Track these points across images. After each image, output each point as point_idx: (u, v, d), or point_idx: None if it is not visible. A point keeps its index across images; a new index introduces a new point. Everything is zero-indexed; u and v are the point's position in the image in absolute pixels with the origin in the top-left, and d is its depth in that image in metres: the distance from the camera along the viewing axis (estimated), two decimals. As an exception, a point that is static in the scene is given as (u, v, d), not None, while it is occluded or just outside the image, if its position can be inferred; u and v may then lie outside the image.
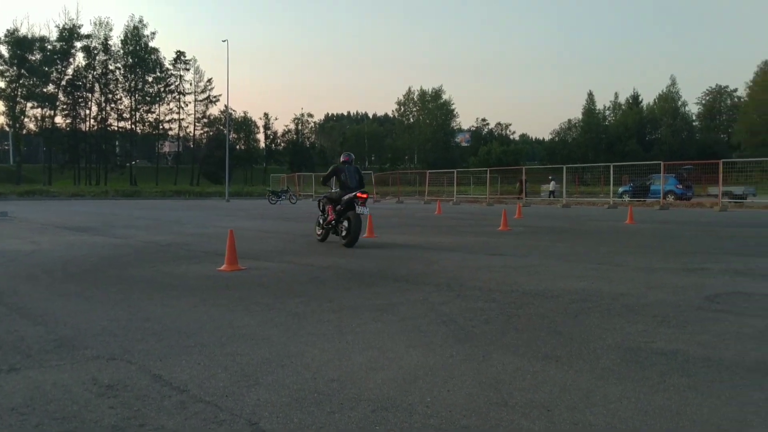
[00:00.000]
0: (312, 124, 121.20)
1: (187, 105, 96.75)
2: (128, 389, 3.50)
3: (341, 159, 12.80)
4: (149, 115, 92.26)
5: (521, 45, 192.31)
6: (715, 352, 4.20)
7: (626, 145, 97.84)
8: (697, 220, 21.00)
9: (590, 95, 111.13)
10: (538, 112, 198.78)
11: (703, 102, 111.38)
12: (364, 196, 11.94)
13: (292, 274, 8.28)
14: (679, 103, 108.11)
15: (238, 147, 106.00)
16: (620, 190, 38.73)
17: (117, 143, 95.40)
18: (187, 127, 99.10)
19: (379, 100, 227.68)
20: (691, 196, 36.60)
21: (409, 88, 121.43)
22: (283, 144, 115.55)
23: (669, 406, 3.21)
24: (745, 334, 4.71)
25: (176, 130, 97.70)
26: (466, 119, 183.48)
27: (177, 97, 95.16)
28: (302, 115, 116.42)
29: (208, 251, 11.10)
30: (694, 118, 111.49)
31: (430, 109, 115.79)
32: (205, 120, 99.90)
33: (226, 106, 66.70)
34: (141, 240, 13.44)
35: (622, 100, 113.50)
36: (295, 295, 6.61)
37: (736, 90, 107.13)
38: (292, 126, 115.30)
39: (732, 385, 3.51)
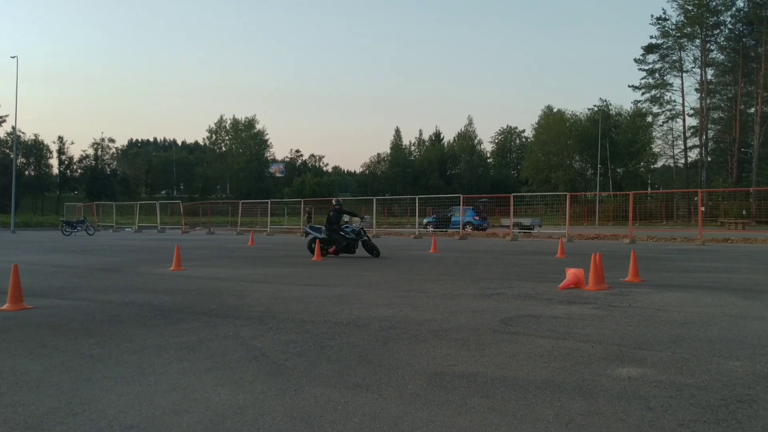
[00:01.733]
0: (114, 149, 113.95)
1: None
2: None
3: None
4: None
5: (332, 78, 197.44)
6: (510, 372, 4.53)
7: (430, 178, 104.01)
8: (492, 248, 22.76)
9: (397, 131, 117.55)
10: (350, 146, 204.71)
11: (496, 141, 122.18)
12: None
13: (87, 312, 7.63)
14: (476, 141, 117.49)
15: (26, 172, 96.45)
16: (425, 221, 40.97)
17: None
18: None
19: (189, 127, 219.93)
20: (487, 227, 39.69)
21: (221, 116, 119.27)
22: (80, 170, 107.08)
23: (471, 427, 3.40)
24: (536, 354, 5.15)
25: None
26: (280, 150, 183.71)
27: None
28: (102, 139, 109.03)
29: (-13, 289, 9.88)
30: (488, 155, 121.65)
31: (244, 139, 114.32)
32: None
33: (14, 128, 60.52)
34: None
35: (426, 137, 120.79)
36: (90, 335, 6.08)
37: (524, 131, 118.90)
38: (91, 151, 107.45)
39: (526, 403, 3.81)
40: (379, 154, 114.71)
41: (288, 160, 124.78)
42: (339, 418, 3.55)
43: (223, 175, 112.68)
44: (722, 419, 3.48)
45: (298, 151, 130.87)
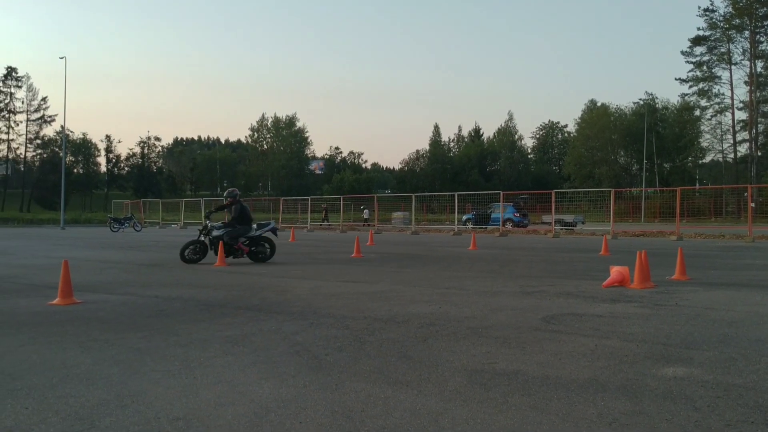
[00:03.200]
0: (159, 148, 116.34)
1: (18, 125, 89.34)
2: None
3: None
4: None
5: (372, 76, 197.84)
6: (552, 371, 4.49)
7: (469, 175, 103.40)
8: (533, 246, 22.53)
9: (436, 128, 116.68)
10: (389, 143, 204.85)
11: (537, 136, 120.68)
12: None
13: (135, 306, 7.82)
14: (516, 137, 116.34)
15: (75, 171, 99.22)
16: (464, 217, 40.75)
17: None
18: (17, 148, 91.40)
19: (232, 126, 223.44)
20: (527, 224, 39.28)
21: (263, 115, 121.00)
22: (127, 168, 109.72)
23: (512, 425, 3.38)
24: (579, 352, 5.09)
25: (4, 152, 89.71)
26: (319, 147, 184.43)
27: (6, 116, 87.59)
28: (149, 138, 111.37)
29: (38, 284, 10.22)
30: (529, 151, 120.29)
31: (284, 136, 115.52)
32: (39, 141, 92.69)
33: (63, 127, 62.29)
34: (-41, 272, 12.10)
35: (465, 133, 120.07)
36: (138, 329, 6.24)
37: (566, 126, 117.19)
38: (138, 149, 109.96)
39: (568, 402, 3.77)
40: (417, 151, 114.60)
41: (328, 157, 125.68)
42: (379, 413, 3.58)
43: (264, 173, 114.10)
44: (772, 421, 3.39)
45: (337, 148, 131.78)
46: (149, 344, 5.51)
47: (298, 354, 5.07)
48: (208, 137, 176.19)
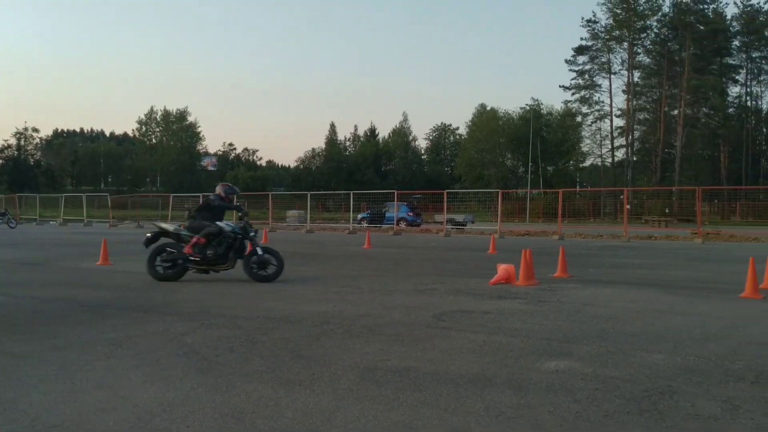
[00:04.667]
0: (38, 140, 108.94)
1: None
2: None
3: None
4: None
5: (266, 71, 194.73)
6: (442, 367, 4.59)
7: (365, 174, 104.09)
8: (426, 244, 23.01)
9: (333, 126, 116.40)
10: (285, 140, 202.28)
11: (431, 138, 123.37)
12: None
13: (9, 308, 7.29)
14: (410, 137, 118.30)
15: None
16: (359, 216, 40.99)
17: None
18: None
19: (118, 119, 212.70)
20: (420, 223, 40.03)
21: (152, 107, 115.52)
22: (0, 161, 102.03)
23: (403, 421, 3.42)
24: (468, 348, 5.24)
25: None
26: (212, 143, 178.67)
27: None
28: (25, 129, 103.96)
29: None
30: (423, 151, 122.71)
31: (175, 131, 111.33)
32: None
33: (-75, 114, 57.07)
34: None
35: (361, 132, 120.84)
36: (13, 332, 5.82)
37: (458, 128, 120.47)
38: (13, 141, 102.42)
39: (457, 397, 3.86)
40: (313, 149, 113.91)
41: (221, 153, 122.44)
42: (271, 414, 3.52)
43: (153, 168, 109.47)
44: (645, 410, 3.63)
45: (231, 144, 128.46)
46: (25, 348, 5.15)
47: (187, 356, 4.91)
48: (92, 129, 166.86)
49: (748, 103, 78.32)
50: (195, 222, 10.48)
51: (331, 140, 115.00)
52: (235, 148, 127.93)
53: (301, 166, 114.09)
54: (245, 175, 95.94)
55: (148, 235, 10.66)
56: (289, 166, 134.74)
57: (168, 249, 10.30)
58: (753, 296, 8.28)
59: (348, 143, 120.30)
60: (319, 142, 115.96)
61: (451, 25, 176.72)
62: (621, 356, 4.96)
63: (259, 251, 10.42)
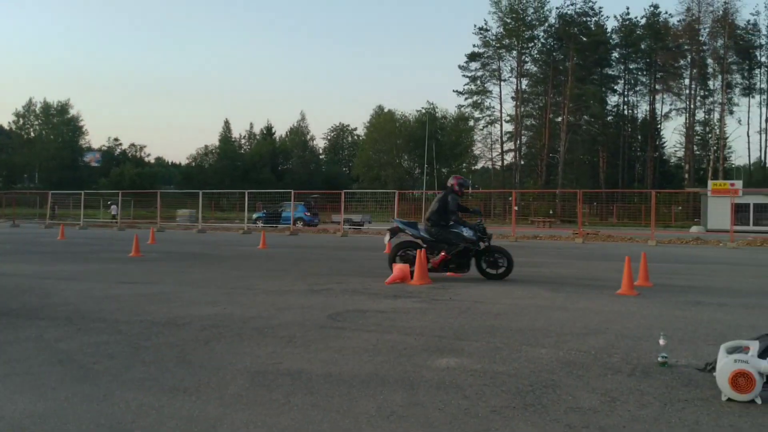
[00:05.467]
0: None
1: None
2: None
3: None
4: None
5: (156, 64, 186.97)
6: (335, 368, 4.53)
7: (261, 173, 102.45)
8: (322, 244, 22.91)
9: (227, 123, 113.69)
10: (175, 136, 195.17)
11: (329, 138, 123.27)
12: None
13: None
14: (308, 137, 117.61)
15: None
16: (254, 216, 40.26)
17: None
18: None
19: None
20: (317, 223, 39.87)
21: (30, 99, 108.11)
22: None
23: (293, 426, 3.33)
24: (361, 348, 5.21)
25: None
26: (96, 138, 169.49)
27: None
28: None
29: None
30: (321, 151, 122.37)
31: (55, 124, 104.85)
32: None
33: None
34: None
35: (257, 130, 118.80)
36: None
37: (356, 129, 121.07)
38: None
39: (349, 398, 3.82)
40: (206, 146, 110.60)
41: (105, 148, 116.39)
42: (152, 423, 3.33)
43: (31, 163, 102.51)
44: (530, 404, 3.73)
45: (116, 139, 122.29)
46: None
47: (62, 363, 4.58)
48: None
49: (625, 112, 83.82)
50: (440, 232, 10.61)
51: (225, 138, 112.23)
52: (120, 144, 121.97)
53: (194, 164, 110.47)
54: (131, 172, 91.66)
55: (390, 236, 11.20)
56: (180, 164, 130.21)
57: (408, 251, 10.70)
58: (628, 293, 8.79)
59: (243, 141, 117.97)
60: (213, 140, 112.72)
61: (348, 25, 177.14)
62: (508, 351, 5.10)
63: (492, 252, 10.83)
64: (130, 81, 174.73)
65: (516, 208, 38.52)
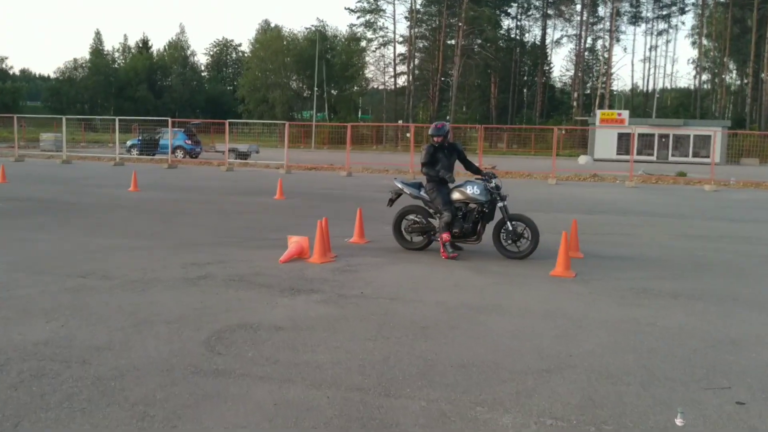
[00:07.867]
0: None
1: None
2: None
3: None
4: None
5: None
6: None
7: (137, 90, 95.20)
8: (205, 184, 20.63)
9: (98, 34, 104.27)
10: (42, 46, 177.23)
11: (211, 53, 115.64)
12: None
13: None
14: (189, 52, 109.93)
15: None
16: (129, 143, 36.65)
17: None
18: None
19: None
20: (199, 152, 36.85)
21: None
22: None
23: None
24: (253, 423, 3.60)
25: None
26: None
27: None
28: None
29: None
30: (203, 68, 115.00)
31: None
32: None
33: None
34: None
35: (131, 43, 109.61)
36: None
37: (240, 44, 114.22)
38: None
39: None
40: (76, 59, 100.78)
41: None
42: None
43: None
44: None
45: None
46: None
47: None
48: None
49: (517, 37, 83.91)
50: (432, 193, 8.83)
51: (97, 50, 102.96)
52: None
53: (62, 78, 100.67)
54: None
55: (392, 197, 9.61)
56: (48, 77, 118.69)
57: (412, 218, 9.22)
58: (564, 274, 7.67)
59: (117, 55, 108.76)
60: (83, 52, 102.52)
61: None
62: (460, 424, 3.66)
63: (510, 222, 8.64)
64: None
65: (408, 134, 37.48)
